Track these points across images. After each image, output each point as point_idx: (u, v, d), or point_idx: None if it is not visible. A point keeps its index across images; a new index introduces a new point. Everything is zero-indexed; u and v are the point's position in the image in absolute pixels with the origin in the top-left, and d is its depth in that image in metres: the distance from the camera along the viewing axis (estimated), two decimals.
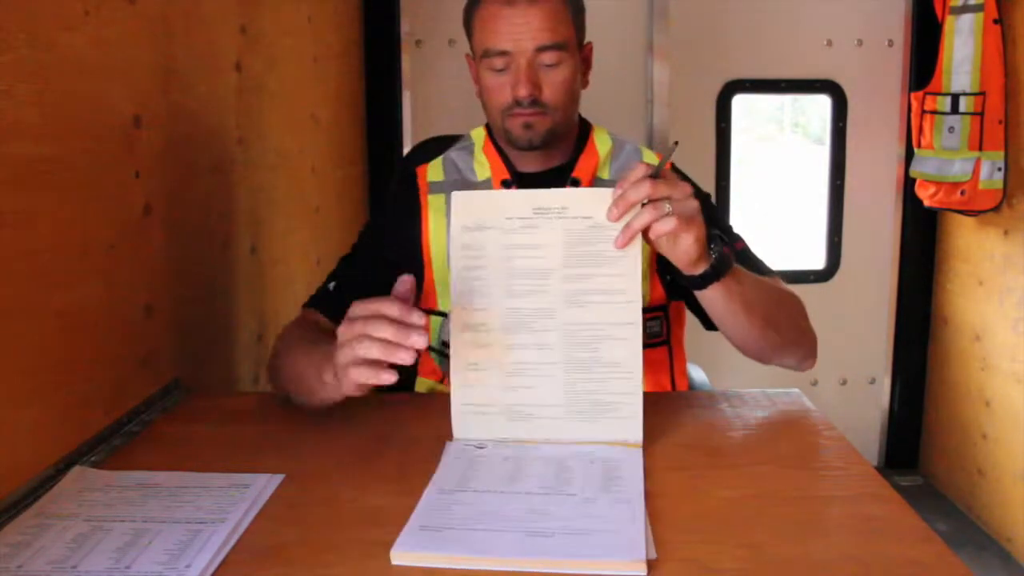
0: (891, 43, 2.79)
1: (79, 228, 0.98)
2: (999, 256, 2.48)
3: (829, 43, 2.79)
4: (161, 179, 1.18)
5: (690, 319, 1.26)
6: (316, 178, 2.05)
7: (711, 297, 1.03)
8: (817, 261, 2.91)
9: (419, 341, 0.87)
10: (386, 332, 0.87)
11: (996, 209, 2.40)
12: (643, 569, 0.71)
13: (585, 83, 1.24)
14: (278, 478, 0.89)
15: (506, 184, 1.22)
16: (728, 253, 1.00)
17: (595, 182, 1.23)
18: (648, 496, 0.84)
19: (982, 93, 2.37)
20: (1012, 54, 2.35)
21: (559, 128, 1.19)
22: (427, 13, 2.69)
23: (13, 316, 0.86)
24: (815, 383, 2.92)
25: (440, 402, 1.01)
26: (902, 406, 2.96)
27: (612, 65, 2.71)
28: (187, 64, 1.29)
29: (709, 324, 1.13)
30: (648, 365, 1.24)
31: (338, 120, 2.32)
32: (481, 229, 0.97)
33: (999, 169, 2.36)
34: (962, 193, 2.42)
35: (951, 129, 2.44)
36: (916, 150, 2.59)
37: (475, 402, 0.97)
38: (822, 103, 2.87)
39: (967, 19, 2.40)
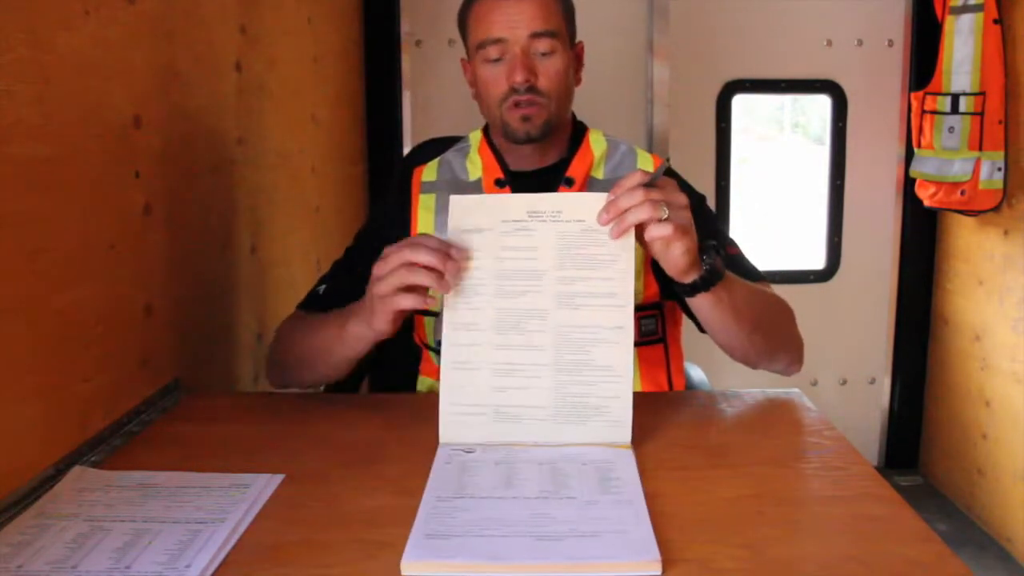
0: (891, 43, 2.79)
1: (79, 228, 0.98)
2: (999, 256, 2.48)
3: (829, 43, 2.79)
4: (161, 179, 1.18)
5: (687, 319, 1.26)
6: (316, 178, 2.05)
7: (700, 305, 1.05)
8: (817, 261, 2.91)
9: (458, 269, 0.94)
10: (428, 257, 0.92)
11: (996, 209, 2.40)
12: (658, 568, 0.71)
13: (578, 80, 1.26)
14: (278, 478, 0.89)
15: (499, 183, 1.23)
16: (719, 264, 1.02)
17: (589, 182, 1.23)
18: (648, 496, 0.84)
19: (982, 93, 2.37)
20: (1012, 54, 2.35)
21: (555, 120, 1.20)
22: (427, 13, 2.70)
23: (13, 316, 0.86)
24: (815, 383, 2.92)
25: (439, 402, 1.01)
26: (902, 406, 2.96)
27: (612, 65, 2.72)
28: (187, 64, 1.29)
29: (702, 327, 1.14)
30: (644, 363, 1.25)
31: (338, 120, 2.32)
32: (476, 232, 0.98)
33: (999, 169, 2.36)
34: (962, 193, 2.42)
35: (951, 129, 2.44)
36: (916, 150, 2.59)
37: (464, 403, 0.97)
38: (822, 103, 2.87)
39: (967, 19, 2.40)
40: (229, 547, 0.75)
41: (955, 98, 2.44)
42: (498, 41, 1.16)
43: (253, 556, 0.75)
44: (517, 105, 1.17)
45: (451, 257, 0.94)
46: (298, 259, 1.86)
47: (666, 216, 0.93)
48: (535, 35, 1.16)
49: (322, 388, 1.26)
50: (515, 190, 1.22)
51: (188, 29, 1.29)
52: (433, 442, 0.97)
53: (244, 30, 1.54)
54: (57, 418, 0.94)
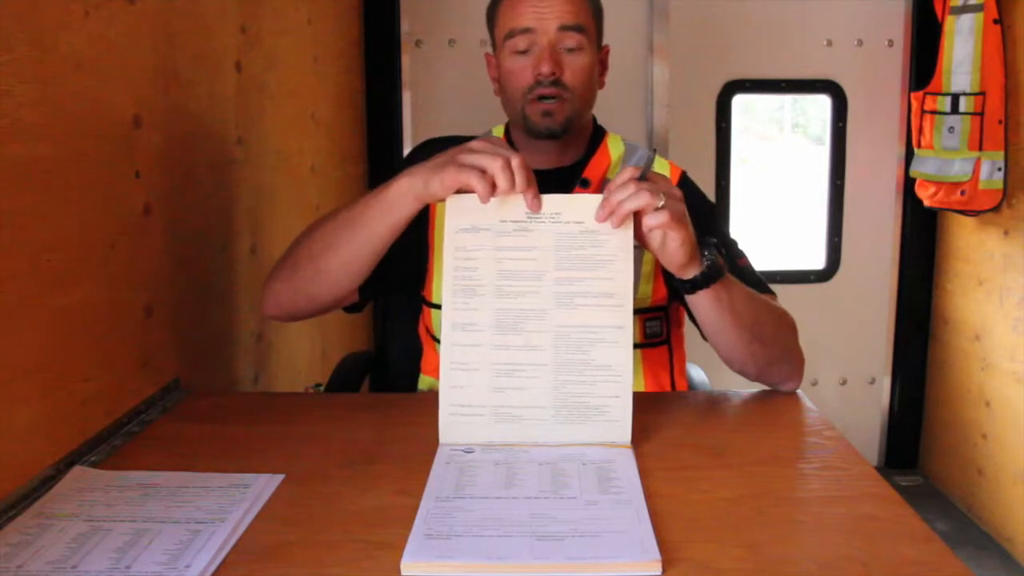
0: (891, 43, 2.79)
1: (79, 228, 0.98)
2: (999, 256, 2.48)
3: (829, 43, 2.79)
4: (161, 179, 1.18)
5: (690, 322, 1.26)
6: (316, 178, 2.05)
7: (699, 303, 1.04)
8: (817, 261, 2.91)
9: (530, 196, 0.96)
10: (509, 173, 0.94)
11: (996, 209, 2.40)
12: (658, 568, 0.71)
13: (601, 84, 1.26)
14: (278, 478, 0.89)
15: None
16: (721, 262, 1.02)
17: (605, 184, 1.22)
18: (648, 496, 0.84)
19: (982, 93, 2.37)
20: (1012, 54, 2.35)
21: (576, 117, 1.20)
22: (427, 13, 2.70)
23: (13, 316, 0.86)
24: (815, 383, 2.92)
25: (438, 402, 1.01)
26: (902, 406, 2.96)
27: (612, 65, 2.70)
28: (187, 64, 1.29)
29: (704, 335, 1.14)
30: (648, 364, 1.25)
31: (338, 120, 2.32)
32: (474, 231, 0.98)
33: (999, 169, 2.36)
34: (962, 193, 2.42)
35: (951, 129, 2.44)
36: (916, 150, 2.59)
37: (463, 404, 0.97)
38: (822, 103, 2.87)
39: (967, 19, 2.40)
40: (229, 547, 0.75)
41: (955, 98, 2.44)
42: (526, 31, 1.17)
43: (253, 556, 0.75)
44: (540, 99, 1.17)
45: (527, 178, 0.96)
46: None
47: (662, 204, 0.93)
48: (564, 28, 1.16)
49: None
50: None
51: (188, 29, 1.29)
52: (433, 442, 0.97)
53: (244, 30, 1.54)
54: (57, 418, 0.94)
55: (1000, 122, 2.35)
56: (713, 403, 1.14)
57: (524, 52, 1.18)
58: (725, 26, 2.76)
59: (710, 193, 2.72)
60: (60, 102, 0.94)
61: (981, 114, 2.36)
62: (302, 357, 1.89)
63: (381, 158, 2.63)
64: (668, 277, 1.05)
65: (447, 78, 2.69)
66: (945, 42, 2.47)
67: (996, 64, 2.35)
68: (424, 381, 1.32)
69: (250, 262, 1.55)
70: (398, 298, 1.48)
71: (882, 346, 2.95)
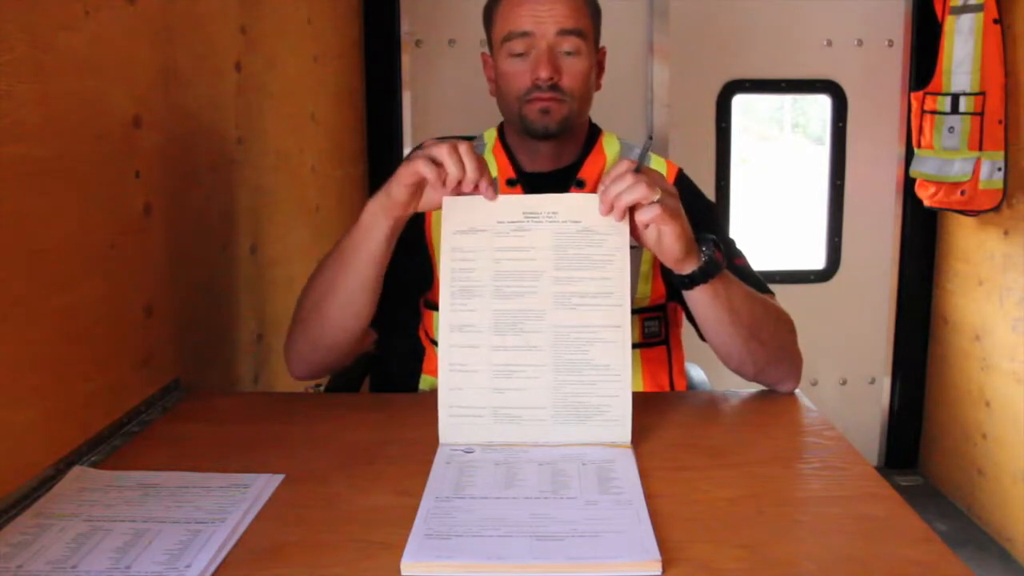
0: (891, 43, 2.79)
1: (79, 228, 0.98)
2: (999, 256, 2.48)
3: (829, 43, 2.79)
4: (161, 179, 1.18)
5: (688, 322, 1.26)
6: (316, 178, 2.05)
7: (697, 299, 1.04)
8: (817, 261, 2.91)
9: (484, 185, 0.96)
10: (457, 157, 0.95)
11: (996, 209, 2.40)
12: (658, 568, 0.71)
13: (598, 86, 1.26)
14: (278, 478, 0.89)
15: (511, 183, 1.23)
16: (719, 258, 1.02)
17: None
18: (648, 496, 0.84)
19: (982, 93, 2.37)
20: (1012, 54, 2.35)
21: (574, 118, 1.20)
22: (427, 13, 2.70)
23: (13, 316, 0.86)
24: (815, 383, 2.92)
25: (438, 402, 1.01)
26: (902, 406, 2.96)
27: (612, 65, 2.69)
28: (187, 64, 1.29)
29: (702, 335, 1.14)
30: (647, 364, 1.25)
31: (338, 120, 2.32)
32: (472, 232, 0.98)
33: (999, 169, 2.36)
34: (962, 193, 2.42)
35: (951, 129, 2.44)
36: (916, 150, 2.59)
37: (463, 405, 0.97)
38: (822, 103, 2.87)
39: (967, 19, 2.40)
40: (229, 547, 0.75)
41: (955, 98, 2.44)
42: (525, 35, 1.16)
43: (253, 556, 0.75)
44: (538, 99, 1.17)
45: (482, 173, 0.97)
46: (298, 259, 1.86)
47: (657, 198, 0.93)
48: (563, 32, 1.16)
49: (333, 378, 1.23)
50: (527, 191, 1.22)
51: (188, 29, 1.29)
52: (433, 442, 0.97)
53: (244, 30, 1.54)
54: (57, 418, 0.94)
55: (1000, 122, 2.35)
56: (713, 403, 1.14)
57: (521, 55, 1.17)
58: (725, 26, 2.76)
59: (710, 193, 2.72)
60: (60, 102, 0.94)
61: (981, 114, 2.36)
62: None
63: (381, 158, 2.63)
64: (666, 273, 1.05)
65: (447, 78, 2.69)
66: (945, 42, 2.47)
67: (996, 64, 2.35)
68: (426, 381, 1.32)
69: (250, 262, 1.55)
70: None
71: (882, 346, 2.95)
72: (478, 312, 0.97)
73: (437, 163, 0.96)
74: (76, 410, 0.97)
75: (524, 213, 0.98)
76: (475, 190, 0.98)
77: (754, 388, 1.18)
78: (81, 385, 0.98)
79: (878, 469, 1.62)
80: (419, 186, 1.00)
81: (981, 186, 2.37)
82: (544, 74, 1.15)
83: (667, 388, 1.27)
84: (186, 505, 0.83)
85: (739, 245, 1.26)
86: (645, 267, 1.23)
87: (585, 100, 1.22)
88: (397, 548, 0.74)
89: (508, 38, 1.17)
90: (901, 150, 2.81)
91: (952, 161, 2.44)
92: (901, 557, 0.74)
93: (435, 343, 1.28)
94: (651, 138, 1.07)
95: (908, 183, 2.73)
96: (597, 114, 1.33)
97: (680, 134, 2.77)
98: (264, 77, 1.64)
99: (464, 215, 0.98)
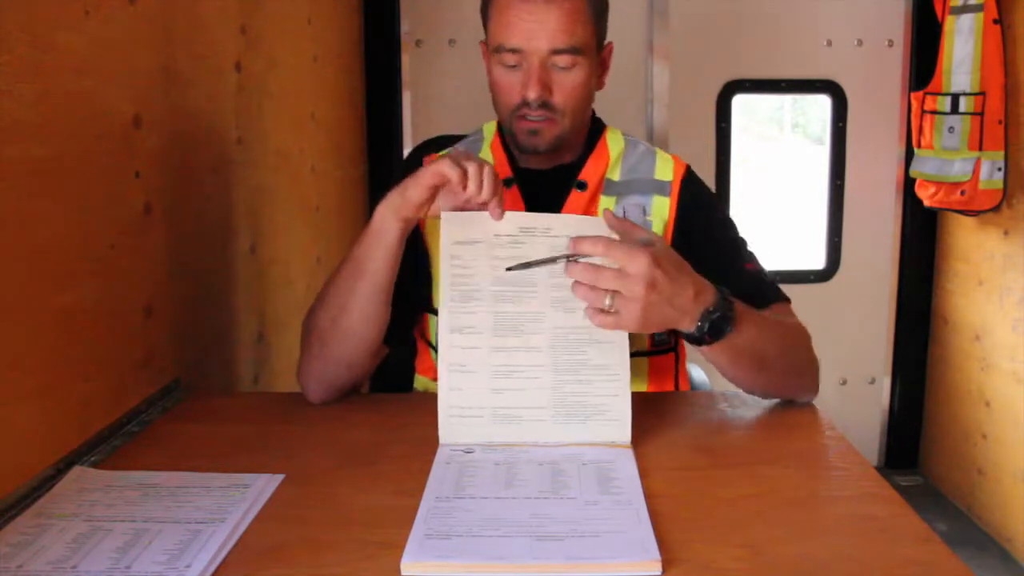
0: (891, 43, 2.79)
1: (79, 228, 0.98)
2: (999, 256, 2.48)
3: (829, 43, 2.79)
4: (161, 179, 1.18)
5: None
6: (316, 178, 2.05)
7: (704, 352, 1.02)
8: (817, 261, 2.91)
9: (493, 204, 0.97)
10: (480, 174, 0.96)
11: (996, 209, 2.40)
12: (658, 568, 0.71)
13: (600, 85, 1.20)
14: (278, 478, 0.89)
15: (507, 183, 1.21)
16: (720, 319, 0.96)
17: (605, 184, 1.21)
18: (648, 496, 0.84)
19: (982, 93, 2.37)
20: (1012, 54, 2.35)
21: (567, 134, 1.16)
22: (427, 13, 2.70)
23: (13, 316, 0.86)
24: None
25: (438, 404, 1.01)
26: (902, 406, 2.96)
27: (612, 65, 2.70)
28: (187, 64, 1.29)
29: None
30: (654, 371, 1.24)
31: (338, 120, 2.32)
32: (471, 244, 0.99)
33: (999, 169, 2.36)
34: (962, 193, 2.42)
35: (951, 129, 2.44)
36: (916, 150, 2.59)
37: (462, 405, 0.98)
38: (822, 103, 2.87)
39: (967, 19, 2.40)
40: (229, 547, 0.75)
41: (955, 98, 2.44)
42: (515, 51, 1.10)
43: (253, 556, 0.75)
44: (527, 118, 1.13)
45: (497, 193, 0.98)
46: (298, 259, 1.86)
47: (608, 305, 0.91)
48: (556, 51, 1.09)
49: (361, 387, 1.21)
50: (524, 190, 1.20)
51: (188, 29, 1.29)
52: (433, 442, 0.97)
53: (244, 30, 1.54)
54: (57, 418, 0.94)
55: (1000, 122, 2.35)
56: (713, 403, 1.14)
57: (513, 67, 1.12)
58: (725, 26, 2.76)
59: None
60: (60, 102, 0.94)
61: (981, 114, 2.36)
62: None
63: (381, 158, 2.63)
64: None
65: (447, 78, 2.69)
66: (945, 42, 2.47)
67: (996, 64, 2.35)
68: (419, 381, 1.31)
69: (250, 262, 1.55)
70: None
71: (882, 346, 2.95)
72: (478, 315, 0.98)
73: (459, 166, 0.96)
74: (76, 410, 0.97)
75: (520, 228, 0.99)
76: (482, 207, 0.98)
77: None
78: (81, 385, 0.98)
79: (878, 469, 1.62)
80: (438, 189, 0.99)
81: (981, 186, 2.37)
82: (533, 95, 1.10)
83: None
84: (186, 505, 0.83)
85: (750, 247, 1.22)
86: None
87: (580, 111, 1.16)
88: (397, 548, 0.74)
89: (499, 50, 1.11)
90: (901, 150, 2.81)
91: (952, 161, 2.44)
92: (901, 557, 0.74)
93: (429, 344, 1.27)
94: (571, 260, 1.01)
95: (908, 183, 2.74)
96: (597, 113, 1.32)
97: (680, 134, 2.77)
98: (264, 77, 1.64)
99: (463, 229, 1.00)
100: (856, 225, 2.87)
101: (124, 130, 1.08)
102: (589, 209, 1.19)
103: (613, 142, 1.24)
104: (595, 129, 1.25)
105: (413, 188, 0.99)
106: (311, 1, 2.01)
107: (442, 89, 2.71)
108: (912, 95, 2.61)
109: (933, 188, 2.54)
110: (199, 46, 1.34)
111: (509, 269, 0.97)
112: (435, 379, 1.26)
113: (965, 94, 2.41)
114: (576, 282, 0.93)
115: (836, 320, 2.87)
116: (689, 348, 1.30)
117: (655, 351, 1.23)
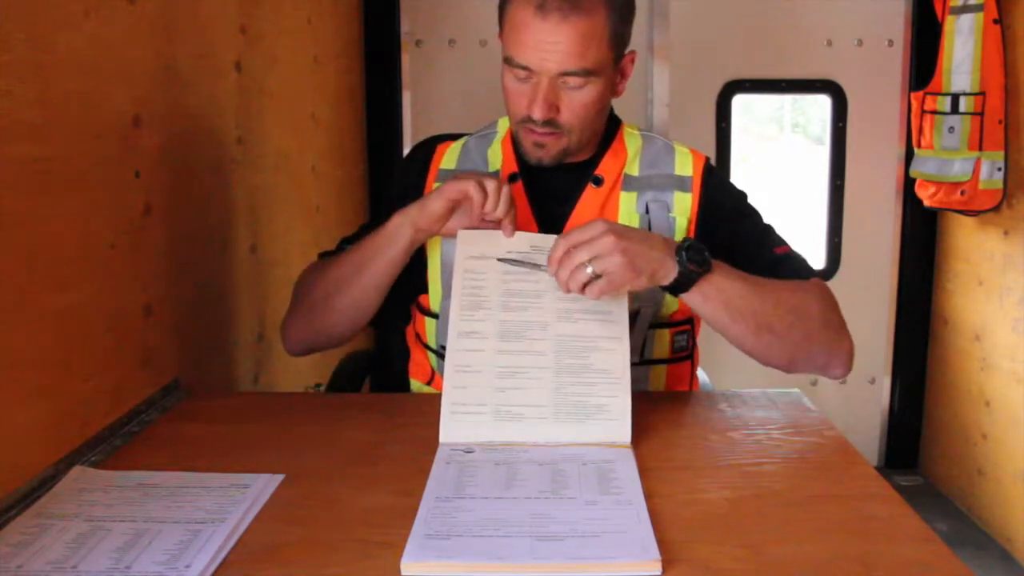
0: (891, 43, 2.79)
1: (79, 228, 0.98)
2: (999, 256, 2.48)
3: (829, 43, 2.79)
4: (161, 179, 1.18)
5: None
6: (316, 178, 2.05)
7: (688, 301, 1.04)
8: (817, 261, 2.91)
9: (506, 222, 1.06)
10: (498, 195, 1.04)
11: (996, 209, 2.40)
12: (658, 568, 0.71)
13: (617, 93, 1.17)
14: (278, 478, 0.89)
15: (512, 179, 1.19)
16: (695, 267, 1.00)
17: (624, 179, 1.19)
18: (648, 496, 0.84)
19: (982, 93, 2.37)
20: (1012, 54, 2.35)
21: (573, 148, 1.14)
22: (427, 13, 2.70)
23: (13, 316, 0.86)
24: (815, 383, 2.91)
25: (439, 402, 1.01)
26: (902, 406, 2.96)
27: None
28: (187, 64, 1.29)
29: None
30: (671, 379, 1.24)
31: (338, 120, 2.32)
32: (483, 258, 1.06)
33: (999, 169, 2.36)
34: (962, 193, 2.42)
35: (951, 129, 2.44)
36: (916, 150, 2.59)
37: (465, 403, 0.99)
38: (822, 103, 2.87)
39: (967, 19, 2.40)
40: (229, 547, 0.75)
41: (955, 98, 2.44)
42: (525, 68, 1.08)
43: (253, 556, 0.75)
44: (533, 131, 1.11)
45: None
46: (298, 259, 1.85)
47: (591, 272, 0.96)
48: (566, 74, 1.07)
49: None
50: (532, 186, 1.19)
51: (188, 29, 1.29)
52: (433, 442, 0.97)
53: (244, 30, 1.54)
54: (57, 418, 0.94)
55: (1000, 122, 2.35)
56: (713, 403, 1.14)
57: (523, 80, 1.09)
58: (725, 26, 2.76)
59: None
60: (60, 102, 0.94)
61: (981, 114, 2.36)
62: (302, 357, 1.89)
63: (381, 158, 2.63)
64: None
65: (447, 78, 2.69)
66: (945, 42, 2.47)
67: (996, 64, 2.35)
68: (413, 385, 1.31)
69: (250, 262, 1.55)
70: None
71: (882, 346, 2.95)
72: (485, 322, 1.03)
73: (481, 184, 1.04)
74: (76, 410, 0.97)
75: (531, 246, 1.06)
76: (495, 224, 1.06)
77: (755, 388, 1.18)
78: (81, 385, 0.98)
79: (878, 469, 1.62)
80: (457, 204, 1.06)
81: (981, 186, 2.37)
82: (538, 115, 1.08)
83: None
84: (186, 505, 0.83)
85: (779, 231, 1.22)
86: None
87: (590, 124, 1.14)
88: (397, 548, 0.74)
89: (509, 61, 1.09)
90: (901, 150, 2.80)
91: (952, 161, 2.44)
92: (901, 557, 0.74)
93: (428, 347, 1.26)
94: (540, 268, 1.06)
95: (908, 183, 2.73)
96: None
97: (680, 134, 2.75)
98: (264, 77, 1.64)
99: (476, 245, 1.07)
100: (856, 225, 2.87)
101: (124, 130, 1.08)
102: (607, 204, 1.18)
103: (631, 140, 1.23)
104: (612, 125, 1.23)
105: (435, 200, 1.06)
106: (311, 1, 2.01)
107: (442, 89, 2.71)
108: (912, 95, 2.61)
109: (933, 188, 2.54)
110: (199, 46, 1.34)
111: (500, 260, 1.05)
112: (426, 382, 1.28)
113: (965, 94, 2.41)
114: (562, 280, 0.98)
115: None
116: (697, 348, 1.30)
117: (674, 358, 1.23)
